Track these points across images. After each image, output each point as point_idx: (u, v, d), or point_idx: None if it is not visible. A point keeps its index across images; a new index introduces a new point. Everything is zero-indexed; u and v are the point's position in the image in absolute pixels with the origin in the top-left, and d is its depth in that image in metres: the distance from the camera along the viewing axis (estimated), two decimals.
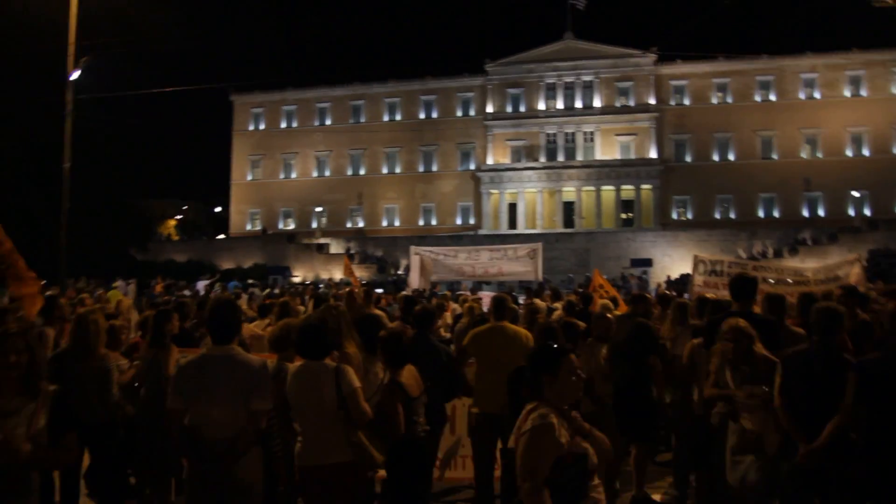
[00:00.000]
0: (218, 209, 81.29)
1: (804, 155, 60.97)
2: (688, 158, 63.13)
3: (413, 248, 19.28)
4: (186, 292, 21.57)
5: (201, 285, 29.85)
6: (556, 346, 3.72)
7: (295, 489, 4.75)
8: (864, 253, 34.80)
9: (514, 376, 3.87)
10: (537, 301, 13.43)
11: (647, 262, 44.09)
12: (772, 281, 12.76)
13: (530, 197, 63.47)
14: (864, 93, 60.15)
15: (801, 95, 61.34)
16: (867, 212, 56.99)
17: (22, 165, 36.56)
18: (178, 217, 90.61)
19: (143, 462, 5.86)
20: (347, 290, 16.32)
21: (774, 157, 61.42)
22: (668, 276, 40.47)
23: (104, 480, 5.66)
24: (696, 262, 13.59)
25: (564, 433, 3.33)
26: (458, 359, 6.12)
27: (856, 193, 57.91)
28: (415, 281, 18.94)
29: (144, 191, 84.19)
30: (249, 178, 71.29)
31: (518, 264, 18.38)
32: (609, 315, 7.32)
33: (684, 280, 40.26)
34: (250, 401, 4.06)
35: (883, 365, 4.68)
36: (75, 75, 17.68)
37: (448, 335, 10.16)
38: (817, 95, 61.06)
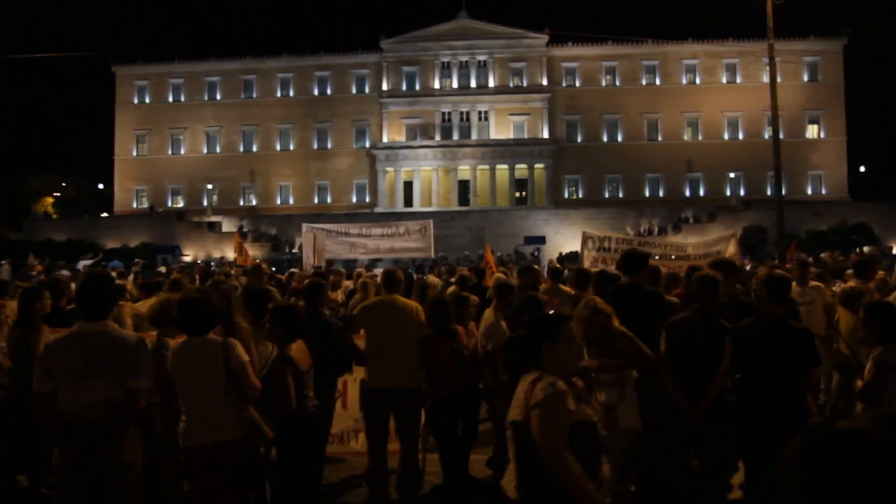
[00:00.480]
0: (101, 186, 77.32)
1: (686, 137, 63.99)
2: (579, 139, 64.97)
3: (305, 226, 19.08)
4: (65, 272, 20.46)
5: (83, 265, 28.34)
6: (554, 313, 3.70)
7: (179, 471, 4.56)
8: (739, 230, 37.08)
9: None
10: (430, 276, 13.63)
11: (541, 240, 45.20)
12: (656, 256, 13.44)
13: (426, 175, 63.73)
14: (738, 80, 63.60)
15: (684, 80, 64.22)
16: (742, 192, 60.49)
17: None
18: (57, 194, 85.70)
19: (12, 447, 5.59)
20: (255, 262, 16.00)
21: (659, 139, 64.14)
22: (560, 252, 41.65)
23: None
24: (585, 238, 14.06)
25: (571, 401, 3.24)
26: (346, 329, 5.99)
27: (732, 175, 61.43)
28: (309, 258, 18.79)
29: (19, 166, 79.20)
30: (135, 153, 68.02)
31: (410, 241, 18.54)
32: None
33: (574, 256, 41.75)
34: (127, 379, 3.86)
35: (753, 330, 5.05)
36: None
37: (343, 311, 10.13)
38: (698, 81, 64.08)
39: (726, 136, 63.47)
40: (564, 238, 50.59)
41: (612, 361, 4.95)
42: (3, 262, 28.57)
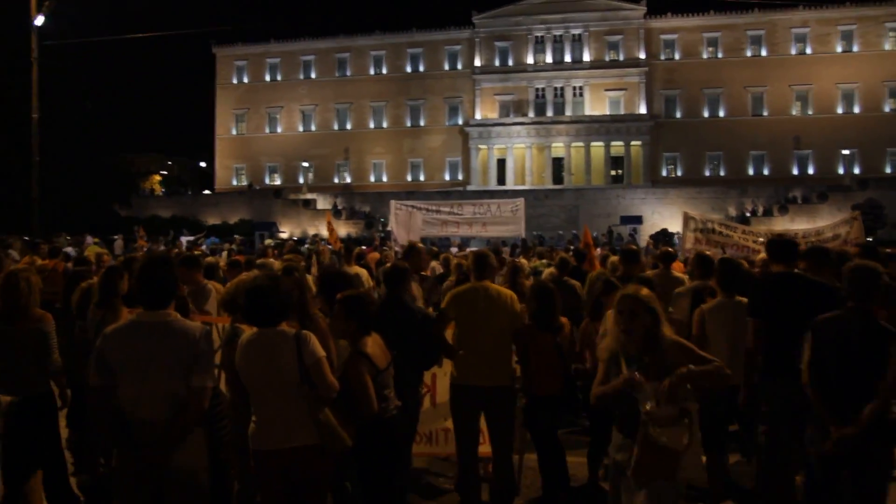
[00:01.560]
0: (203, 164, 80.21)
1: (795, 112, 60.45)
2: (678, 114, 62.47)
3: (394, 203, 18.81)
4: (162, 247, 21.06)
5: (185, 241, 29.21)
6: None
7: (251, 478, 4.10)
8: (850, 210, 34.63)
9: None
10: (521, 259, 13.02)
11: (638, 220, 43.75)
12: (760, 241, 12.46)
13: (519, 153, 62.78)
14: (855, 48, 59.42)
15: (793, 51, 60.53)
16: (856, 170, 56.72)
17: None
18: (163, 172, 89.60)
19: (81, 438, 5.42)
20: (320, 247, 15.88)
21: (765, 113, 60.84)
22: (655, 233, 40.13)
23: (44, 457, 5.00)
24: (687, 219, 13.26)
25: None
26: (438, 323, 5.41)
27: (845, 152, 57.57)
28: (401, 237, 18.58)
29: (127, 146, 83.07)
30: (234, 132, 70.06)
31: (501, 220, 18.06)
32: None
33: (664, 234, 40.17)
34: (190, 376, 3.51)
35: None
36: (40, 20, 16.84)
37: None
38: (808, 51, 60.29)
39: (840, 111, 59.52)
40: (662, 218, 48.90)
41: (674, 385, 3.57)
42: (117, 237, 29.77)
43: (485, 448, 5.59)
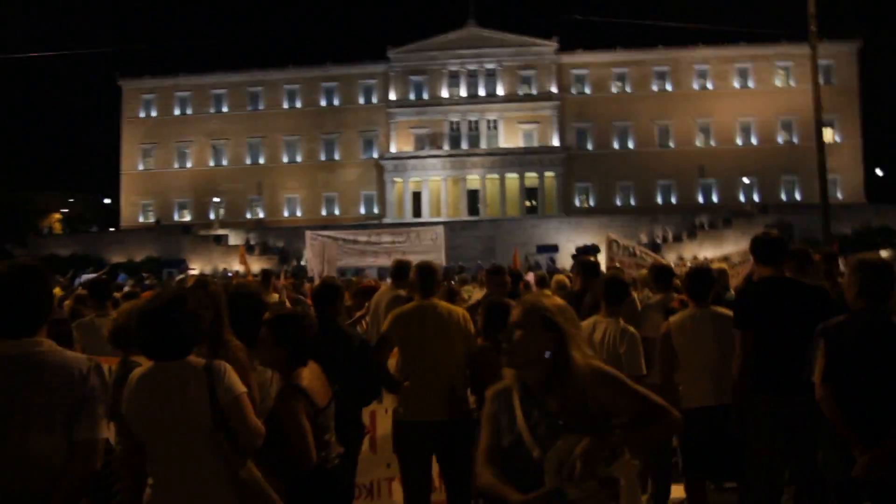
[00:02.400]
0: (107, 201, 76.71)
1: (699, 143, 62.88)
2: (589, 146, 63.97)
3: (309, 233, 18.18)
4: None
5: (85, 278, 27.37)
6: None
7: None
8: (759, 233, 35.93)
9: None
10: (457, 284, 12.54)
11: (554, 248, 44.22)
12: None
13: (434, 185, 62.77)
14: (751, 84, 62.59)
15: (695, 86, 63.20)
16: (756, 197, 59.30)
17: None
18: (63, 210, 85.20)
19: None
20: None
21: (671, 145, 63.05)
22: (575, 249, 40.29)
23: None
24: (610, 241, 13.31)
25: None
26: (379, 349, 4.72)
27: (746, 180, 60.27)
28: (316, 266, 17.91)
29: (23, 182, 78.73)
30: (141, 167, 67.31)
31: (421, 248, 17.73)
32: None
33: (590, 249, 40.61)
34: (73, 427, 2.59)
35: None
36: None
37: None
38: (710, 86, 63.02)
39: (739, 142, 62.35)
40: (576, 246, 49.60)
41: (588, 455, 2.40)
42: None
43: (439, 496, 4.90)
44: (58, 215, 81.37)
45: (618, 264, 12.66)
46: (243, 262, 17.76)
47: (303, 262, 46.36)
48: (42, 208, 79.91)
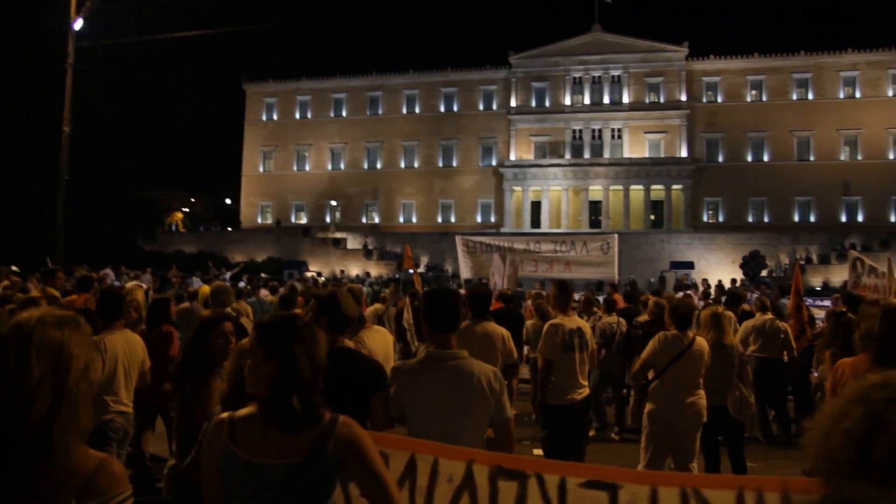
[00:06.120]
0: (228, 201, 78.83)
1: (843, 157, 58.08)
2: (720, 158, 60.33)
3: (459, 239, 16.69)
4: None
5: (223, 277, 27.37)
6: None
7: None
8: None
9: None
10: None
11: (689, 265, 41.19)
12: None
13: (555, 195, 60.67)
14: None
15: (841, 94, 58.45)
16: None
17: (17, 137, 33.09)
18: (184, 210, 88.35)
19: None
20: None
21: (811, 158, 58.52)
22: (720, 280, 37.23)
23: None
24: (853, 259, 11.12)
25: None
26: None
27: None
28: (465, 272, 16.46)
29: (151, 182, 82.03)
30: (261, 169, 68.62)
31: (588, 261, 15.77)
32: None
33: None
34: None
35: None
36: (79, 24, 14.88)
37: None
38: (858, 94, 58.16)
39: (891, 156, 57.10)
40: (709, 264, 46.48)
41: None
42: (147, 269, 27.86)
43: None
44: (180, 214, 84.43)
45: (860, 289, 10.52)
46: (411, 265, 16.80)
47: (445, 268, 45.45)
48: (166, 206, 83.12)
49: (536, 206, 61.03)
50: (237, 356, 2.89)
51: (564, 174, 60.28)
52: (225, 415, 2.25)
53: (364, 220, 64.49)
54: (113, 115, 41.54)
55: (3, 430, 1.59)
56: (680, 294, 15.42)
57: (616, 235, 16.03)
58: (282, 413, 2.13)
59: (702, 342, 6.26)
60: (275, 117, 68.71)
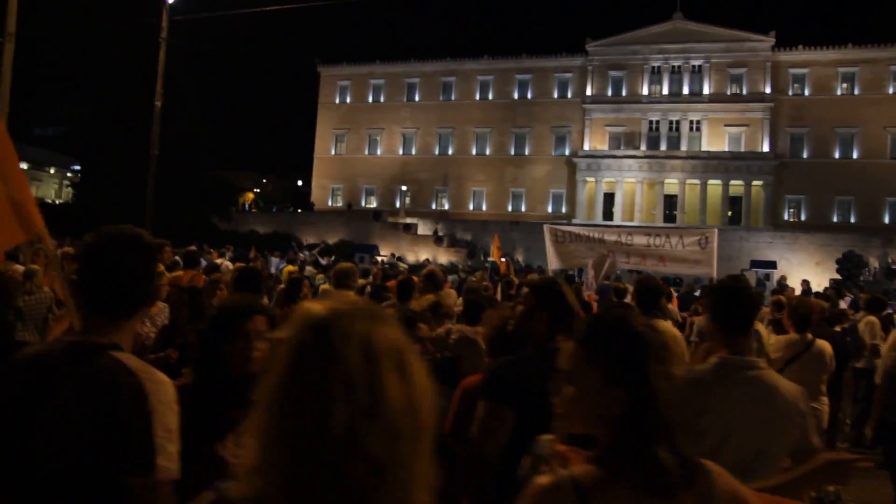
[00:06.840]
0: (299, 183, 79.83)
1: None
2: (804, 154, 57.81)
3: (548, 227, 16.06)
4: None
5: (308, 254, 28.00)
6: None
7: None
8: None
9: None
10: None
11: (772, 265, 39.63)
12: None
13: (629, 187, 59.23)
14: None
15: None
16: None
17: (112, 111, 33.79)
18: (256, 190, 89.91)
19: None
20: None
21: None
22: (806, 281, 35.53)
23: None
24: None
25: None
26: None
27: None
28: (553, 263, 15.85)
29: (222, 162, 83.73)
30: (333, 152, 69.10)
31: (684, 257, 14.86)
32: None
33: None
34: None
35: None
36: None
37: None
38: None
39: None
40: (791, 265, 44.48)
41: None
42: (228, 247, 28.24)
43: None
44: (251, 195, 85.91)
45: None
46: (500, 254, 16.37)
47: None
48: (239, 187, 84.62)
49: (609, 197, 59.72)
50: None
51: (639, 166, 58.77)
52: (564, 473, 1.51)
53: (434, 207, 64.29)
54: (190, 93, 42.04)
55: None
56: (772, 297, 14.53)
57: (716, 230, 15.10)
58: (648, 469, 1.48)
59: (823, 345, 5.66)
60: (348, 100, 69.00)
